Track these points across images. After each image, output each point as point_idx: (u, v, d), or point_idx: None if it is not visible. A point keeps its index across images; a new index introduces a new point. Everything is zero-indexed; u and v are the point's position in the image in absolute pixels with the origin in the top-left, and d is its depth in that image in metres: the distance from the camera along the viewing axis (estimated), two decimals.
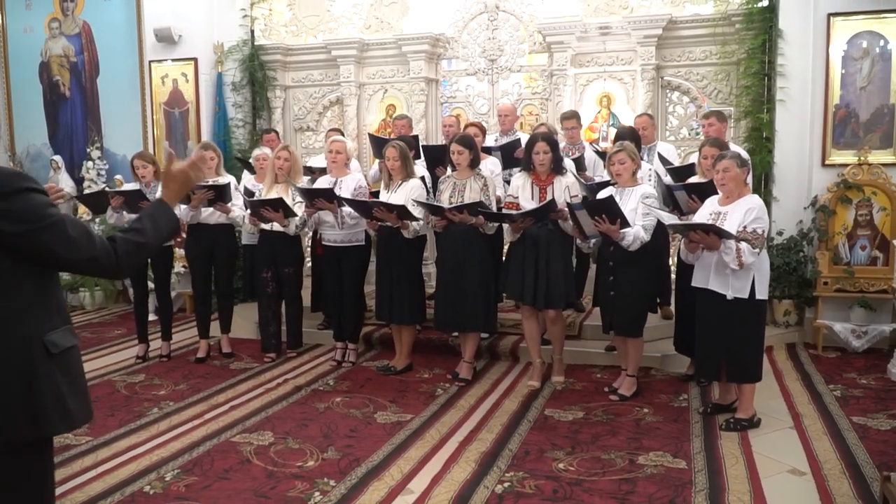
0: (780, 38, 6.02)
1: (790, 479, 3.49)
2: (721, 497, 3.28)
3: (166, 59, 7.76)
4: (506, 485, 3.42)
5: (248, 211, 5.29)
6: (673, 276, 5.40)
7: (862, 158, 5.74)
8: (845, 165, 5.80)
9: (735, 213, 3.95)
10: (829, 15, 5.78)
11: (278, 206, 5.10)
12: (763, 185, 6.20)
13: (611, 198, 4.31)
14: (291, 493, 3.36)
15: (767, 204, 6.06)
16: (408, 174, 5.11)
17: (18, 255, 1.92)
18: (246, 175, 6.54)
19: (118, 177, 8.00)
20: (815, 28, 5.86)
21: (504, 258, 5.27)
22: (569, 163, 5.28)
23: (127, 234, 2.09)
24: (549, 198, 4.60)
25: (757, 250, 3.82)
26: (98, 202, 5.93)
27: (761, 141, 6.26)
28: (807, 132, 5.98)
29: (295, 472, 3.59)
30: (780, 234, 6.07)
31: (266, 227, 5.35)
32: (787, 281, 5.99)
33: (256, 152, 6.24)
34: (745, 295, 3.94)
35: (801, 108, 5.99)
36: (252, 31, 7.77)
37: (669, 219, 4.25)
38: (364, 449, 3.87)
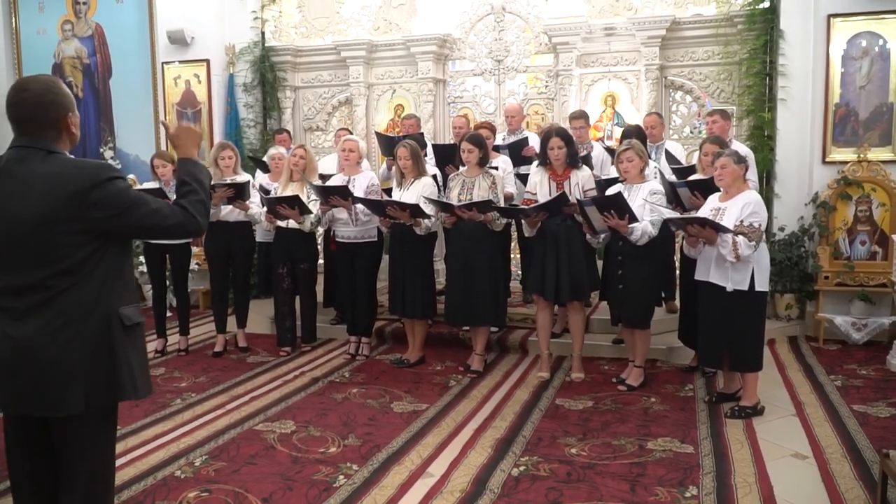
0: (781, 38, 6.17)
1: (793, 463, 3.64)
2: (727, 479, 3.43)
3: (179, 61, 7.90)
4: (521, 468, 3.58)
5: (265, 208, 5.44)
6: (677, 271, 5.56)
7: (861, 156, 5.89)
8: (845, 163, 5.95)
9: (733, 208, 4.11)
10: (829, 16, 5.93)
11: (294, 203, 5.25)
12: (765, 182, 6.34)
13: (619, 194, 4.46)
14: (317, 476, 3.51)
15: (769, 200, 6.23)
16: (419, 172, 5.26)
17: (106, 237, 2.15)
18: (259, 174, 6.69)
19: (131, 176, 8.13)
20: (815, 29, 6.01)
21: (512, 254, 5.42)
22: None
23: (187, 197, 2.29)
24: (569, 192, 4.75)
25: (754, 243, 3.97)
26: None
27: (763, 139, 6.41)
28: (807, 130, 6.13)
29: (318, 457, 3.75)
30: (781, 229, 6.22)
31: (282, 224, 5.50)
32: (789, 275, 6.15)
33: (272, 152, 6.39)
34: (745, 287, 4.09)
35: (802, 106, 6.13)
36: (263, 33, 7.92)
37: (669, 213, 4.40)
38: (383, 436, 4.02)
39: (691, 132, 7.13)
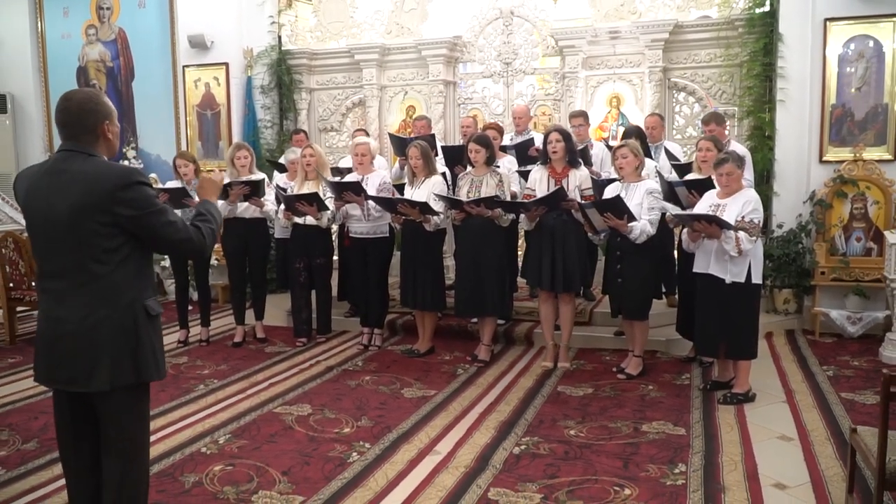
0: (780, 41, 6.37)
1: (779, 444, 3.88)
2: (715, 458, 3.67)
3: (199, 64, 8.20)
4: (522, 447, 3.83)
5: (283, 206, 5.72)
6: (677, 267, 5.77)
7: (857, 155, 6.09)
8: (841, 162, 6.15)
9: (733, 205, 4.35)
10: (826, 20, 6.13)
11: (312, 200, 5.52)
12: (764, 181, 6.55)
13: (618, 197, 4.71)
14: (332, 453, 3.78)
15: (768, 199, 6.45)
16: (430, 171, 5.52)
17: (130, 235, 2.41)
18: (277, 174, 6.97)
19: (153, 175, 8.43)
20: (812, 32, 6.21)
21: (520, 250, 5.66)
22: None
23: (202, 222, 2.61)
24: (567, 190, 4.99)
25: (753, 238, 4.20)
26: None
27: (763, 139, 6.61)
28: (805, 130, 6.33)
29: (333, 436, 4.02)
30: (780, 226, 6.42)
31: (299, 220, 5.78)
32: (787, 271, 6.35)
33: (290, 156, 6.62)
34: (742, 279, 4.33)
35: (800, 107, 6.34)
36: (279, 37, 8.20)
37: (672, 209, 4.63)
38: (394, 418, 4.29)
39: (695, 132, 7.32)
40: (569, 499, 3.24)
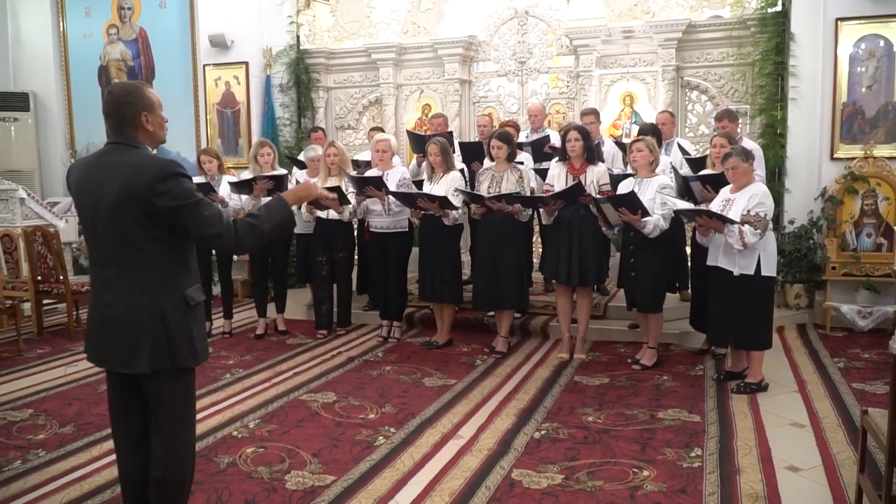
0: (791, 40, 6.49)
1: (791, 430, 3.99)
2: (730, 443, 3.79)
3: (219, 63, 8.36)
4: (542, 432, 3.97)
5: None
6: (689, 262, 5.89)
7: (868, 152, 6.21)
8: (852, 159, 6.27)
9: (741, 199, 4.47)
10: (837, 19, 6.24)
11: (335, 193, 5.66)
12: (776, 178, 6.67)
13: (633, 193, 4.83)
14: (359, 437, 3.93)
15: (780, 195, 6.57)
16: (448, 167, 5.66)
17: (170, 226, 2.50)
18: (297, 171, 7.11)
19: None
20: (824, 31, 6.33)
21: (535, 246, 5.78)
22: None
23: (247, 218, 2.69)
24: (585, 186, 5.12)
25: (759, 231, 4.32)
26: None
27: (775, 137, 6.73)
28: (817, 128, 6.45)
29: (359, 422, 4.16)
30: (791, 222, 6.54)
31: (322, 214, 5.93)
32: (799, 266, 6.46)
33: (310, 154, 6.77)
34: (751, 272, 4.45)
35: (812, 105, 6.45)
36: (298, 37, 8.36)
37: (682, 204, 4.76)
38: (417, 406, 4.43)
39: (707, 130, 7.43)
40: (589, 479, 3.37)
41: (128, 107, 2.53)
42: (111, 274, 2.52)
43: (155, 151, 2.69)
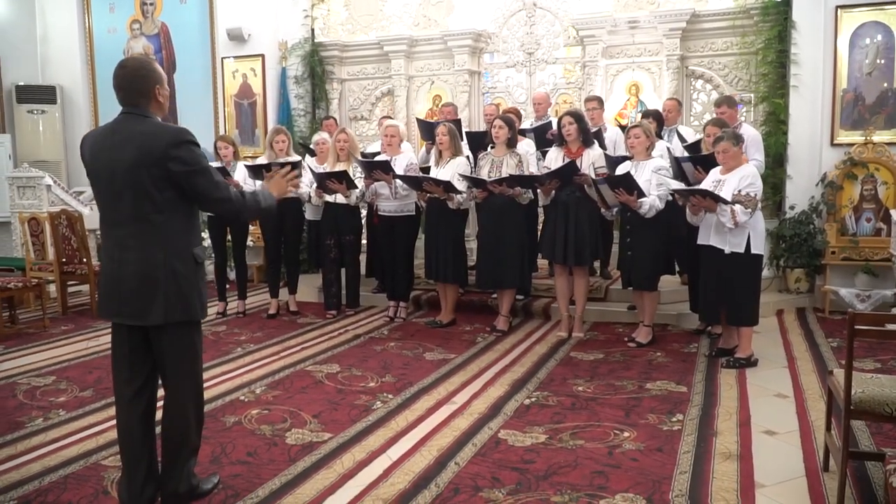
0: (793, 29, 6.59)
1: (774, 400, 4.14)
2: (712, 410, 3.95)
3: (236, 56, 8.64)
4: (532, 399, 4.15)
5: (315, 184, 6.10)
6: None
7: (867, 138, 6.29)
8: (852, 145, 6.36)
9: (732, 179, 4.61)
10: (837, 7, 6.34)
11: (342, 178, 5.89)
12: (778, 165, 6.77)
13: (629, 174, 5.00)
14: (358, 402, 4.14)
15: (782, 182, 6.69)
16: (456, 151, 5.86)
17: (181, 189, 2.73)
18: (308, 158, 7.36)
19: None
20: (825, 19, 6.43)
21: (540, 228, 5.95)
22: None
23: (251, 195, 2.95)
24: (580, 168, 5.29)
25: (749, 210, 4.46)
26: None
27: (777, 123, 6.83)
28: (818, 115, 6.55)
29: (359, 389, 4.38)
30: (792, 208, 6.64)
31: (330, 198, 6.16)
32: (799, 251, 6.56)
33: (316, 137, 7.04)
34: (741, 250, 4.59)
35: (813, 92, 6.55)
36: (312, 30, 8.61)
37: (676, 185, 4.91)
38: (416, 376, 4.63)
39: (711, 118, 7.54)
40: (572, 439, 3.55)
41: (143, 80, 2.75)
42: (126, 233, 2.72)
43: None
